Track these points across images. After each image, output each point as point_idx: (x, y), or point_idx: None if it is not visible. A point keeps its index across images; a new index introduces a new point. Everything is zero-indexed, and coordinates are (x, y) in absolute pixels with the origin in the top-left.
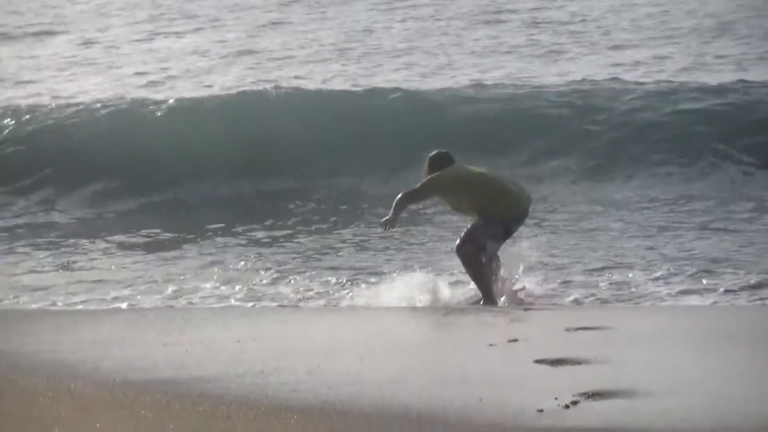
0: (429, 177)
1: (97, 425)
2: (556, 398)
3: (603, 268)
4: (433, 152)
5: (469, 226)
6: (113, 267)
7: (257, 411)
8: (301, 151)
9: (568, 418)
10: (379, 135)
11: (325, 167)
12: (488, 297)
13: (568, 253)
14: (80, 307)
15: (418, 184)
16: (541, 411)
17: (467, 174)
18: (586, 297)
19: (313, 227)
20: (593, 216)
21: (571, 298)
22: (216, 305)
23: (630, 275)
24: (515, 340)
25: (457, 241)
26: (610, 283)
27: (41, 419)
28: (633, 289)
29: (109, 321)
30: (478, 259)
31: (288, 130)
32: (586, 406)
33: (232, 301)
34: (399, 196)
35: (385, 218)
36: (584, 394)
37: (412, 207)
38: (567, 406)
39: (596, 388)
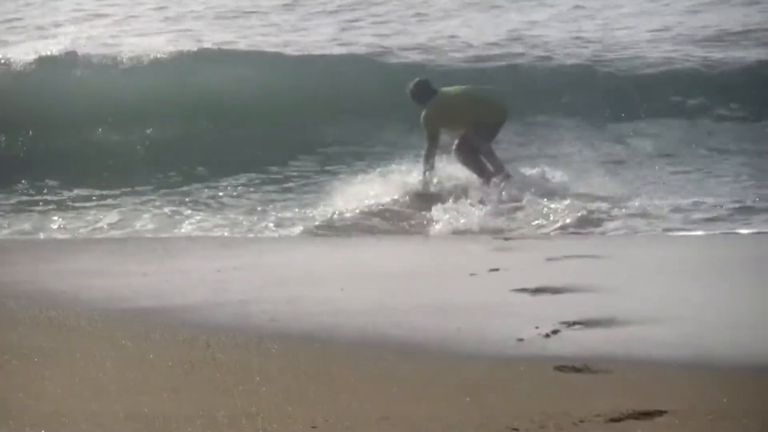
0: (423, 119)
1: (77, 354)
2: (536, 327)
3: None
4: (412, 84)
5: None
6: (93, 198)
7: (237, 340)
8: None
9: (548, 347)
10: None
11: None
12: (487, 179)
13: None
14: (59, 237)
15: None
16: (521, 340)
17: (454, 97)
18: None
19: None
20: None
21: (556, 226)
22: (196, 235)
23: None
24: (496, 270)
25: (453, 147)
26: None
27: (20, 347)
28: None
29: (89, 251)
30: (476, 156)
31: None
32: (567, 334)
33: (213, 232)
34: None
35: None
36: (565, 323)
37: (435, 155)
38: (547, 335)
39: (577, 317)
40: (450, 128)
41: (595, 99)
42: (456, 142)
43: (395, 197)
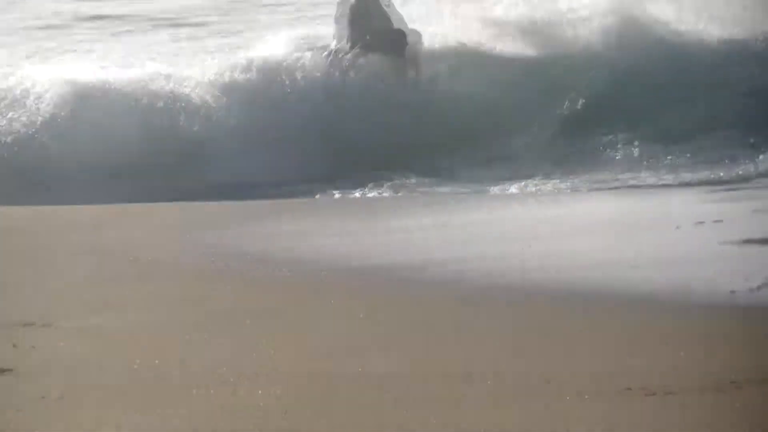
0: None
1: (305, 312)
2: (746, 279)
3: None
4: None
5: None
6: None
7: (458, 295)
8: None
9: (760, 299)
10: None
11: None
12: None
13: None
14: (280, 200)
15: None
16: (733, 292)
17: None
18: None
19: None
20: None
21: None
22: (416, 194)
23: None
24: (702, 223)
25: None
26: None
27: (254, 308)
28: None
29: (307, 211)
30: None
31: None
32: None
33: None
34: None
35: None
36: None
37: None
38: (758, 288)
39: None
40: None
41: None
42: None
43: None
